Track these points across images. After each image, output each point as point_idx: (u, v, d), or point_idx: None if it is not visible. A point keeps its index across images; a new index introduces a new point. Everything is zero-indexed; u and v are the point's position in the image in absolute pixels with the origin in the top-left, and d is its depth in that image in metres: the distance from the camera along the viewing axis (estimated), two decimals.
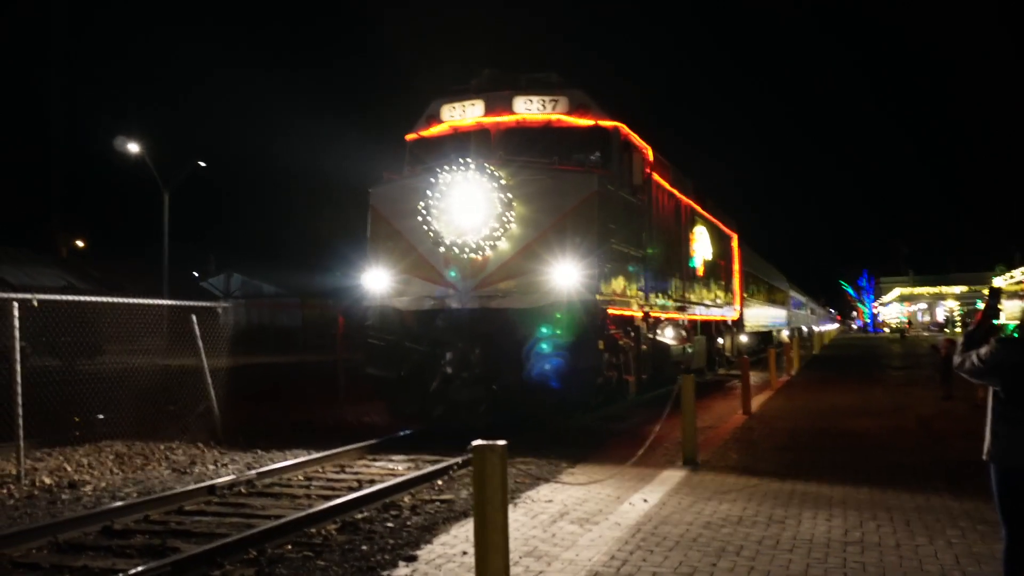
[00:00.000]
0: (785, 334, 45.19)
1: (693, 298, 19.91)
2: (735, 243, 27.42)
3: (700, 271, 20.95)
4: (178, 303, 14.29)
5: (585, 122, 13.98)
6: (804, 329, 61.14)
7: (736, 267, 27.16)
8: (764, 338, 37.18)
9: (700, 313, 20.77)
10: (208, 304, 15.68)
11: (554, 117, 13.99)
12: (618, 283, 13.87)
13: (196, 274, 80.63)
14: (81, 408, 13.13)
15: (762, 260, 39.41)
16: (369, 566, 6.79)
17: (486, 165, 12.88)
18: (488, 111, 14.18)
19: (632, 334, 14.91)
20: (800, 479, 9.45)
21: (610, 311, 13.44)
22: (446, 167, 13.04)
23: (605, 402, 14.29)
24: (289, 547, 7.36)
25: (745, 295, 29.15)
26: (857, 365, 33.83)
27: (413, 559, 6.63)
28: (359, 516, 8.41)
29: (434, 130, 14.62)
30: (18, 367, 10.49)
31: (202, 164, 53.22)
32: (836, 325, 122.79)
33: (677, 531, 7.20)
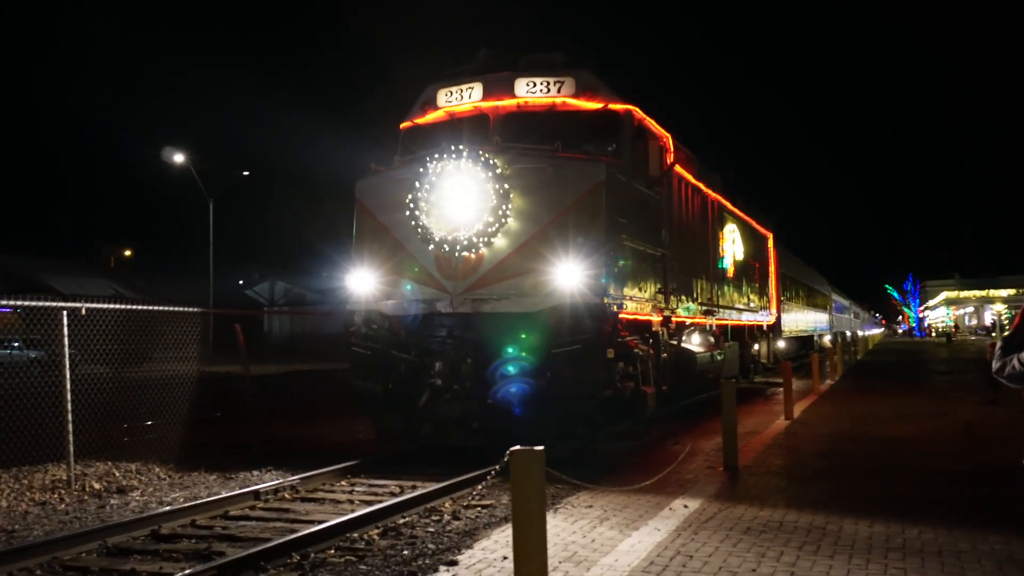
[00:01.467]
0: (827, 339, 43.12)
1: (723, 301, 18.16)
2: (770, 244, 25.54)
3: (730, 273, 19.19)
4: (218, 311, 14.06)
5: (593, 105, 12.38)
6: (848, 334, 58.87)
7: (772, 269, 25.29)
8: (804, 343, 35.19)
9: (731, 317, 19.01)
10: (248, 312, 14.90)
11: (559, 100, 12.40)
12: (631, 284, 12.23)
13: (241, 282, 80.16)
14: (129, 415, 13.53)
15: (801, 262, 37.40)
16: (410, 571, 6.77)
17: (480, 152, 11.32)
18: (487, 95, 12.63)
19: (650, 341, 13.28)
20: (842, 486, 9.27)
21: (622, 315, 11.81)
22: (435, 155, 11.51)
23: (618, 416, 12.64)
24: (332, 551, 7.39)
25: (782, 298, 27.28)
26: (902, 370, 32.81)
27: (454, 563, 6.60)
28: (401, 521, 8.44)
29: (429, 117, 13.10)
30: (68, 374, 10.61)
31: (245, 173, 52.94)
32: (881, 329, 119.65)
33: (717, 537, 7.08)
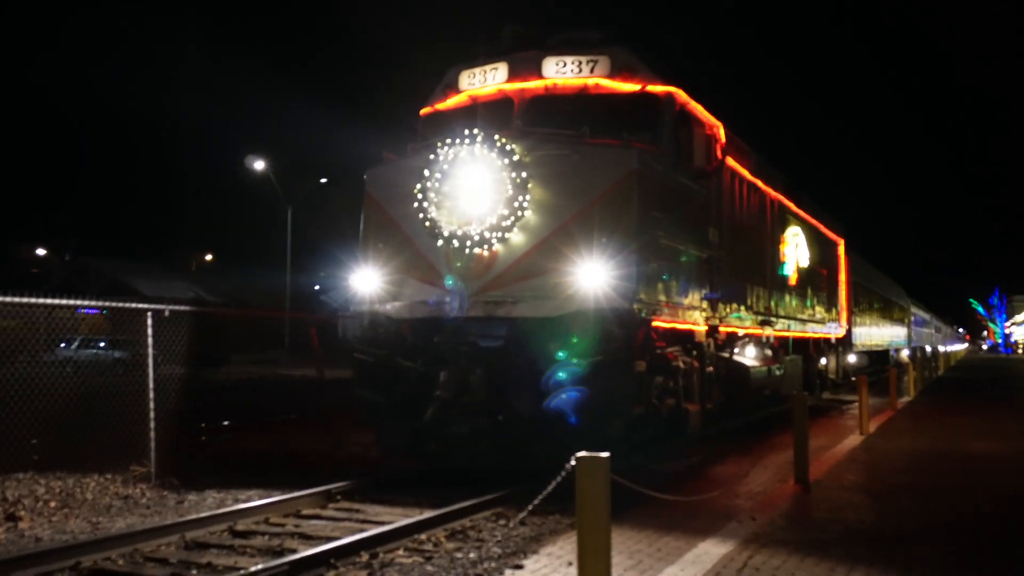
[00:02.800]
0: (905, 353, 40.63)
1: (783, 311, 16.42)
2: (841, 250, 23.54)
3: (793, 280, 17.41)
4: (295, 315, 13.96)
5: (630, 87, 10.89)
6: (928, 349, 55.89)
7: (842, 278, 23.29)
8: (879, 358, 32.91)
9: (793, 329, 17.24)
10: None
11: (591, 82, 10.94)
12: (669, 289, 10.70)
13: (317, 287, 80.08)
14: (207, 415, 14.18)
15: (877, 272, 35.06)
16: (476, 573, 6.78)
17: (496, 137, 9.93)
18: (512, 76, 11.24)
19: (694, 353, 11.72)
20: (918, 503, 8.91)
21: (656, 323, 10.30)
22: (446, 140, 10.16)
23: (655, 438, 11.09)
24: (400, 552, 7.44)
25: (854, 310, 25.25)
26: (986, 387, 31.13)
27: (520, 567, 6.58)
28: (468, 524, 8.42)
29: (450, 102, 11.75)
30: (151, 373, 10.93)
31: (323, 180, 52.63)
32: (965, 345, 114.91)
33: (786, 550, 6.88)
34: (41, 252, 73.48)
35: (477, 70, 11.49)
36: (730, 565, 6.45)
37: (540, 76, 11.04)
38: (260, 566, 6.58)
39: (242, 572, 6.50)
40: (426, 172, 10.15)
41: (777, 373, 15.68)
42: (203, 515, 8.46)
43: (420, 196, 10.16)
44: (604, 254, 9.53)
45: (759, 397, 15.03)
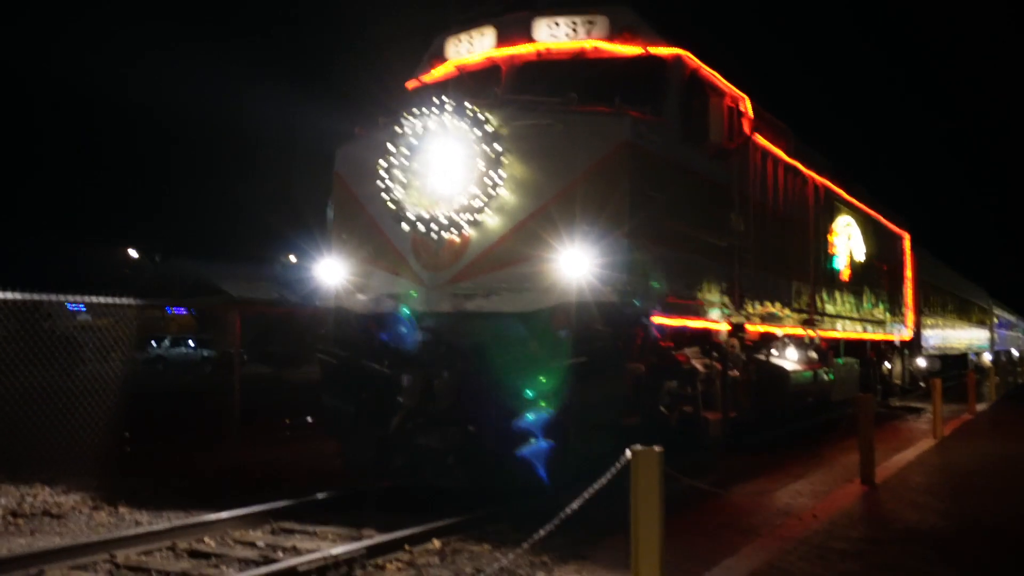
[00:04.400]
0: (987, 357, 37.81)
1: (831, 309, 14.56)
2: (906, 245, 21.33)
3: (845, 275, 15.49)
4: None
5: (631, 50, 9.33)
6: (1016, 353, 52.43)
7: (908, 274, 21.10)
8: (955, 362, 30.36)
9: (846, 329, 15.36)
10: None
11: (588, 45, 9.43)
12: (675, 281, 9.12)
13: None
14: (291, 410, 14.69)
15: (951, 271, 32.44)
16: (542, 561, 6.67)
17: (467, 106, 8.47)
18: (501, 41, 9.81)
19: (713, 354, 10.12)
20: (987, 504, 8.82)
21: (658, 319, 8.72)
22: (413, 111, 8.74)
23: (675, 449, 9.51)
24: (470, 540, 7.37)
25: (923, 310, 23.03)
26: None
27: (584, 558, 6.64)
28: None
29: (436, 72, 10.35)
30: (238, 370, 11.42)
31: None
32: None
33: (840, 545, 6.80)
34: (133, 254, 74.65)
35: (463, 36, 10.08)
36: (787, 556, 6.35)
37: (531, 40, 9.59)
38: (341, 549, 6.68)
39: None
40: (390, 147, 8.75)
41: (825, 378, 13.90)
42: (290, 503, 8.42)
43: (384, 174, 8.77)
44: (589, 239, 8.00)
45: (802, 404, 13.27)
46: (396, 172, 8.71)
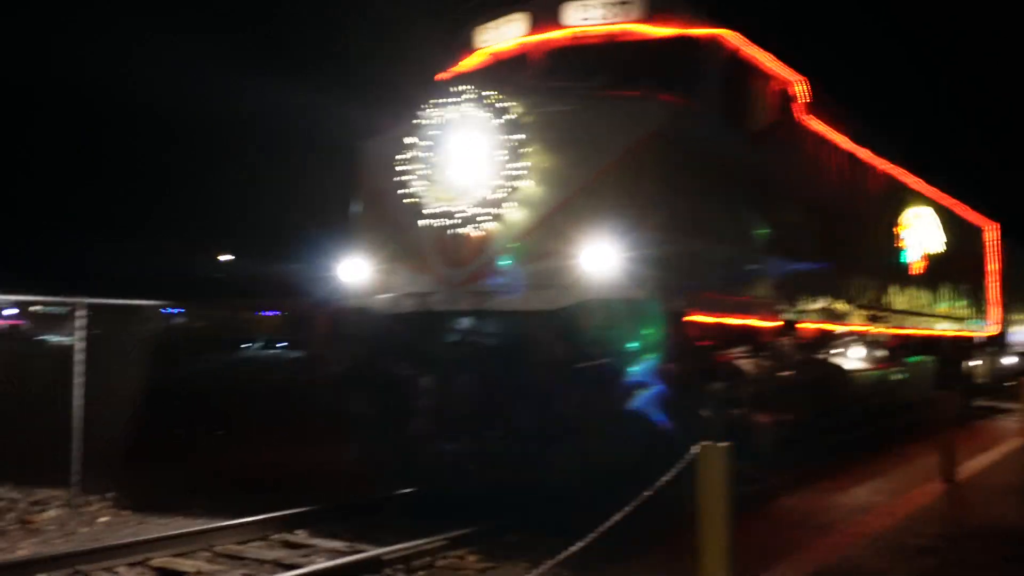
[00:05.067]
0: None
1: (901, 304, 13.65)
2: (991, 237, 20.06)
3: (917, 268, 14.53)
4: None
5: (664, 32, 8.74)
6: None
7: (992, 267, 19.84)
8: None
9: (918, 326, 14.42)
10: None
11: (620, 28, 8.87)
12: (717, 275, 8.52)
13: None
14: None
15: None
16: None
17: (487, 94, 8.01)
18: (531, 28, 9.33)
19: (764, 354, 9.48)
20: None
21: (694, 317, 8.13)
22: (432, 101, 8.32)
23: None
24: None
25: (1011, 306, 21.68)
26: None
27: (645, 552, 6.41)
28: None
29: (466, 63, 9.91)
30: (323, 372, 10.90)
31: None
32: None
33: (916, 542, 6.69)
34: (226, 258, 76.29)
35: (492, 25, 9.63)
36: (859, 553, 6.27)
37: (560, 25, 9.07)
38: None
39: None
40: (411, 140, 8.35)
41: (895, 377, 13.05)
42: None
43: (405, 168, 8.37)
44: (615, 233, 7.46)
45: (868, 406, 12.45)
46: (417, 165, 8.30)
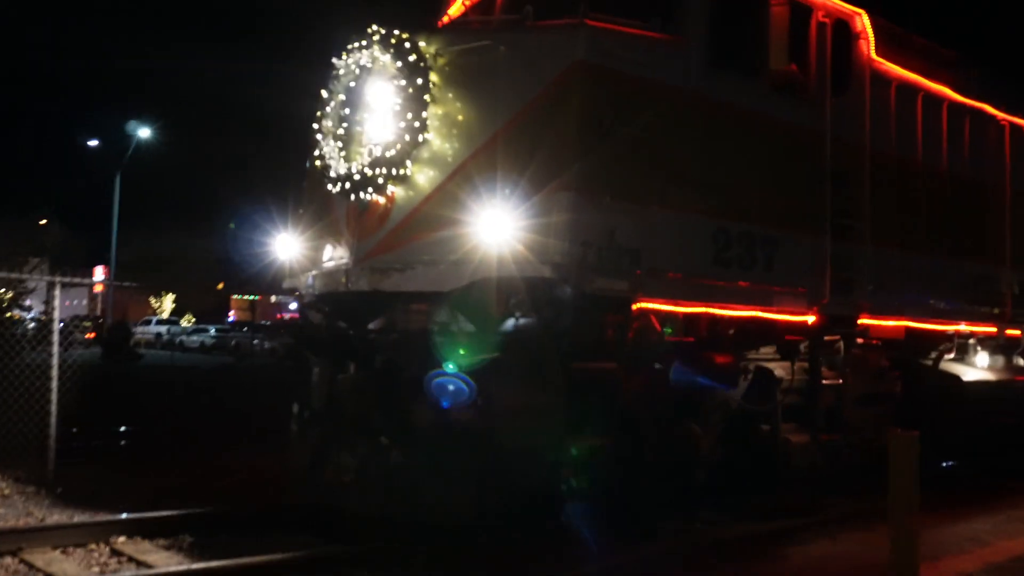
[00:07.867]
0: None
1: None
2: None
3: None
4: None
5: None
6: None
7: None
8: None
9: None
10: None
11: None
12: (699, 252, 6.55)
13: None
14: None
15: None
16: None
17: (395, 34, 6.49)
18: None
19: (797, 356, 7.38)
20: None
21: (644, 303, 6.23)
22: (344, 48, 6.90)
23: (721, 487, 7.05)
24: None
25: None
26: None
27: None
28: None
29: (448, 14, 8.41)
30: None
31: None
32: None
33: None
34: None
35: None
36: None
37: None
38: None
39: None
40: (324, 94, 6.99)
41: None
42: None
43: (316, 126, 7.03)
44: (516, 195, 5.75)
45: (989, 426, 9.66)
46: (326, 123, 6.94)
